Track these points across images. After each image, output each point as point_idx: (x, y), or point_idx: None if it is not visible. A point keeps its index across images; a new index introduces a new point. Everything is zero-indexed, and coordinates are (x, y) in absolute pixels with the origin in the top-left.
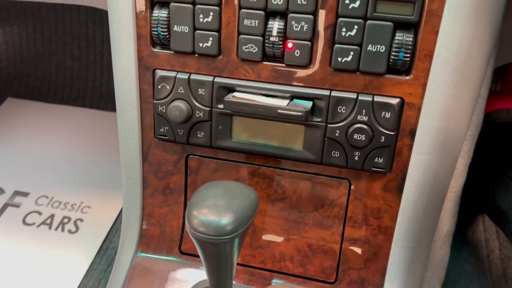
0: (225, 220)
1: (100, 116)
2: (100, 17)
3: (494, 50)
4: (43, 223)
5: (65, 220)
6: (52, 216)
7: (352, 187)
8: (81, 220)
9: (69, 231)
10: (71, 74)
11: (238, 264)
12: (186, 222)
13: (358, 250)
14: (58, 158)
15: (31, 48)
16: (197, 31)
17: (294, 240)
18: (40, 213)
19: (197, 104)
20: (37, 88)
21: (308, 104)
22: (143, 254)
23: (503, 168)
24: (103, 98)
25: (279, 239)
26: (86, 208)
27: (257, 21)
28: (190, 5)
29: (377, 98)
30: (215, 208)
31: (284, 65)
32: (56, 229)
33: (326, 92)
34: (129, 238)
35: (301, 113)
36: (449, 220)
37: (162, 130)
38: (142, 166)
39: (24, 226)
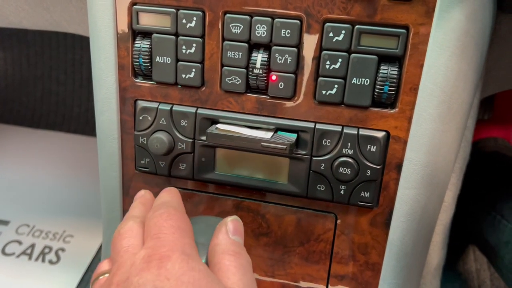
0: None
1: (86, 142)
2: (87, 43)
3: (480, 82)
4: (23, 253)
5: (46, 250)
6: (32, 246)
7: (339, 221)
8: (63, 250)
9: (50, 262)
10: (57, 99)
11: None
12: None
13: (345, 287)
14: (42, 185)
15: (16, 73)
16: (180, 63)
17: (279, 276)
18: (20, 243)
19: (180, 136)
20: (21, 113)
21: (293, 136)
22: None
23: (491, 201)
24: (88, 124)
25: (263, 276)
26: (68, 237)
27: (240, 53)
28: (172, 37)
29: (362, 132)
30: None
31: (268, 97)
32: (37, 259)
33: (311, 125)
34: None
35: (285, 146)
36: (438, 253)
37: (143, 162)
38: (122, 199)
39: (3, 256)
